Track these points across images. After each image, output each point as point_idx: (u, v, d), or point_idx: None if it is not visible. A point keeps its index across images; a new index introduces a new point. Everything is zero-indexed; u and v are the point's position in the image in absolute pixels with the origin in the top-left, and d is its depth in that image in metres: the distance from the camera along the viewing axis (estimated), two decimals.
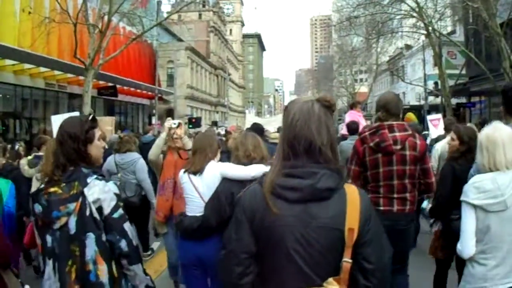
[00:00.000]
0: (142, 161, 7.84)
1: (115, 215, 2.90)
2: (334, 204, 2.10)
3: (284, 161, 2.17)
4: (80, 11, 17.61)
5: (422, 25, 25.09)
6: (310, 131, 2.14)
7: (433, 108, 28.11)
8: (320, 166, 2.13)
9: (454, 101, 29.43)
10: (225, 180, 4.25)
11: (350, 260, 2.09)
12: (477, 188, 3.26)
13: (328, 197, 2.10)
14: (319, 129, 2.15)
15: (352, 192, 2.17)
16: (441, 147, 7.31)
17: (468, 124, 9.26)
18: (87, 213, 2.84)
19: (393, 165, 4.53)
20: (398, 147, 4.51)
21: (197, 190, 4.52)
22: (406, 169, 4.54)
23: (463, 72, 28.97)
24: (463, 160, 4.85)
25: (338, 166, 2.20)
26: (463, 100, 33.24)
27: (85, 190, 2.85)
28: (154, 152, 6.08)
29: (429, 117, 12.36)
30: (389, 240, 4.44)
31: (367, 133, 4.67)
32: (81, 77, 19.40)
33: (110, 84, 27.07)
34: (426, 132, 11.73)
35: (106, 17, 18.37)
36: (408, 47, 50.43)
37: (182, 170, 4.76)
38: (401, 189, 4.56)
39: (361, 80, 62.45)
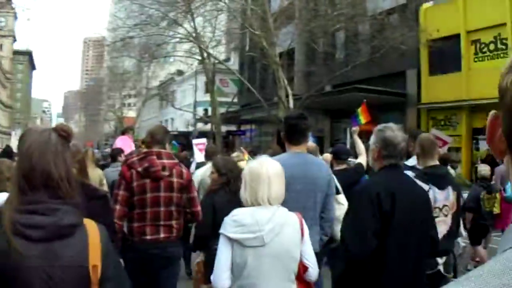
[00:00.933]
0: None
1: None
2: (77, 241, 2.02)
3: (21, 196, 2.00)
4: None
5: (198, 50, 25.45)
6: (48, 163, 2.03)
7: (203, 135, 28.19)
8: (61, 201, 2.02)
9: (224, 128, 30.69)
10: None
11: None
12: (235, 222, 3.20)
13: (70, 234, 2.01)
14: (56, 161, 2.06)
15: (91, 227, 2.11)
16: (201, 174, 7.35)
17: (236, 153, 9.15)
18: None
19: (160, 191, 4.60)
20: (166, 173, 4.62)
21: None
22: (173, 196, 4.64)
23: (235, 100, 29.96)
24: (223, 192, 4.98)
25: (76, 200, 2.09)
26: (233, 127, 34.58)
27: None
28: None
29: (194, 141, 12.77)
30: (159, 268, 4.66)
31: (135, 159, 4.70)
32: None
33: None
34: (192, 159, 11.78)
35: None
36: (180, 72, 51.22)
37: None
38: (167, 216, 4.62)
39: (129, 104, 62.72)
